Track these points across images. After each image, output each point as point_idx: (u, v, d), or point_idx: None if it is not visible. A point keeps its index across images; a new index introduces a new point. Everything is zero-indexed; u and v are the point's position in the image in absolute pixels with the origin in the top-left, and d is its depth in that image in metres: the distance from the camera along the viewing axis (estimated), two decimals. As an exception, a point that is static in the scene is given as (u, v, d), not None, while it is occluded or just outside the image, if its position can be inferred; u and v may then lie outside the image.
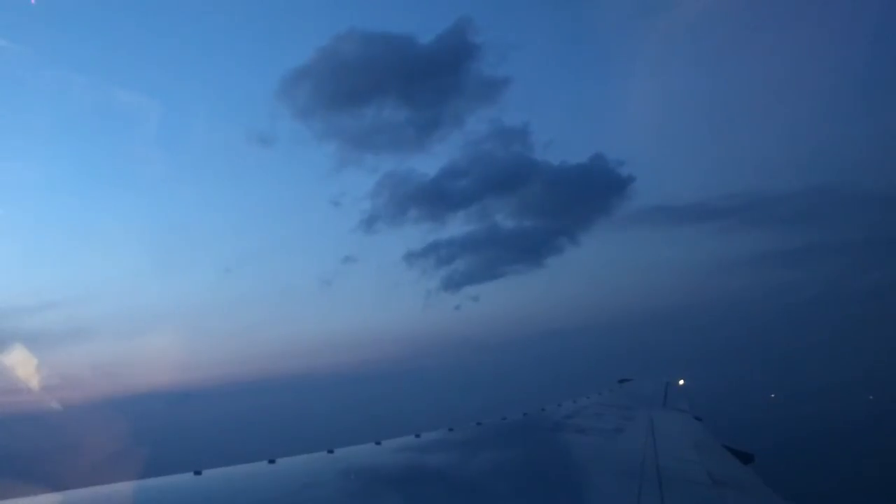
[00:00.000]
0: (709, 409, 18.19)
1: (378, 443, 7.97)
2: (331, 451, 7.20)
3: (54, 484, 5.24)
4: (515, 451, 8.81)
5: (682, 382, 21.83)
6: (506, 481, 6.60)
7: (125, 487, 5.43)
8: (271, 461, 6.45)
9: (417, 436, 8.76)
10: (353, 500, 5.39)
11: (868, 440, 44.20)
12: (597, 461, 8.20)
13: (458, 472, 7.15)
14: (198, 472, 5.75)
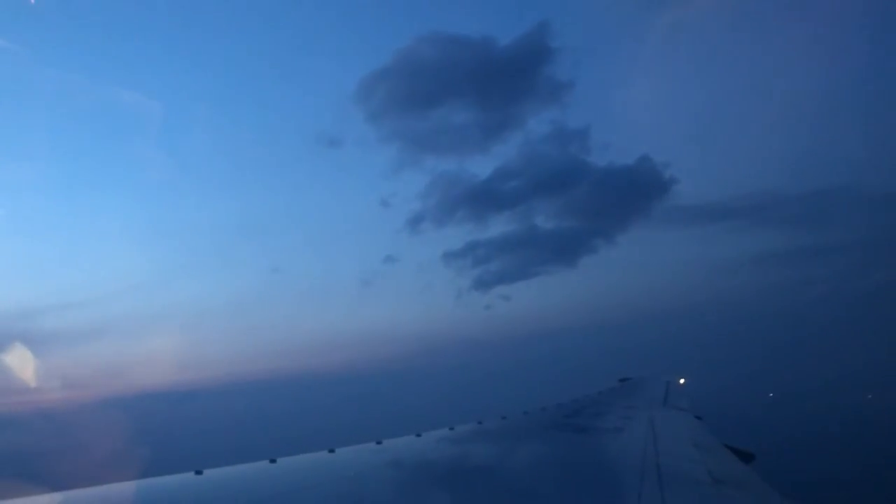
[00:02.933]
0: (710, 408, 18.17)
1: (379, 442, 7.97)
2: (332, 451, 7.20)
3: (61, 481, 5.25)
4: (515, 449, 8.81)
5: (682, 381, 21.88)
6: (504, 480, 6.60)
7: (127, 487, 5.43)
8: (272, 461, 6.45)
9: (418, 435, 8.77)
10: (349, 501, 5.38)
11: (867, 439, 44.27)
12: (597, 460, 8.20)
13: (458, 471, 7.15)
14: (199, 472, 5.75)
